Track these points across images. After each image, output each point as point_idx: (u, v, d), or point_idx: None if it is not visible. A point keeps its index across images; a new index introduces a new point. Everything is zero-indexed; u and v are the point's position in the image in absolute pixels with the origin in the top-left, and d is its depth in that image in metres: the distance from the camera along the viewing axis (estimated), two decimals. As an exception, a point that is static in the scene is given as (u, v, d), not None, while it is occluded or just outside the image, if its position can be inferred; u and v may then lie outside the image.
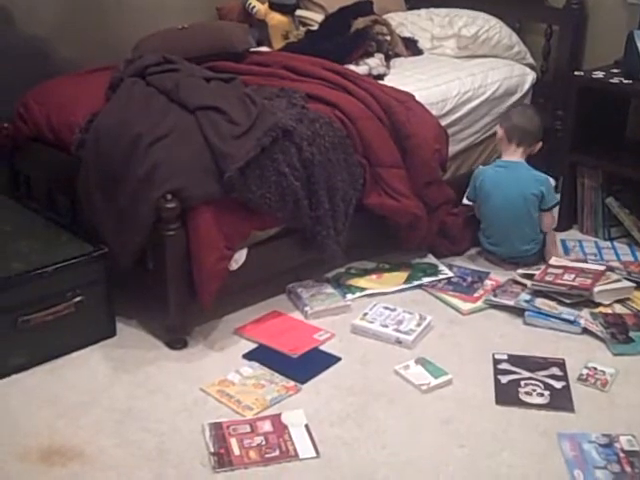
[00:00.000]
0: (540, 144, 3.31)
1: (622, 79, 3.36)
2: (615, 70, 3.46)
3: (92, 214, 2.79)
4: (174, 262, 2.62)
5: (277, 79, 3.23)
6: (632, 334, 2.80)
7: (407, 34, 3.97)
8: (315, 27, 3.85)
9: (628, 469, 2.19)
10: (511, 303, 2.97)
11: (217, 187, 2.63)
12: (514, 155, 3.28)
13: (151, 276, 2.74)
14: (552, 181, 3.36)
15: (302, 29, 3.87)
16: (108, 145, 2.74)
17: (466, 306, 3.00)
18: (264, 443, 2.28)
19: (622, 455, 2.24)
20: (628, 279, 3.06)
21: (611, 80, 3.37)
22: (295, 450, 2.26)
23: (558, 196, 3.28)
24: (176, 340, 2.74)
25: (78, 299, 2.66)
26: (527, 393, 2.51)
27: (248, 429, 2.34)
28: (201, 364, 2.66)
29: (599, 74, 3.44)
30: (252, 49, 3.55)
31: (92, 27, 3.72)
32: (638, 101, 3.60)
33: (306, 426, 2.36)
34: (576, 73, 3.53)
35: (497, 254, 3.29)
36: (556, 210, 3.31)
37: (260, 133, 2.70)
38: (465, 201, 3.38)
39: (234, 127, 2.73)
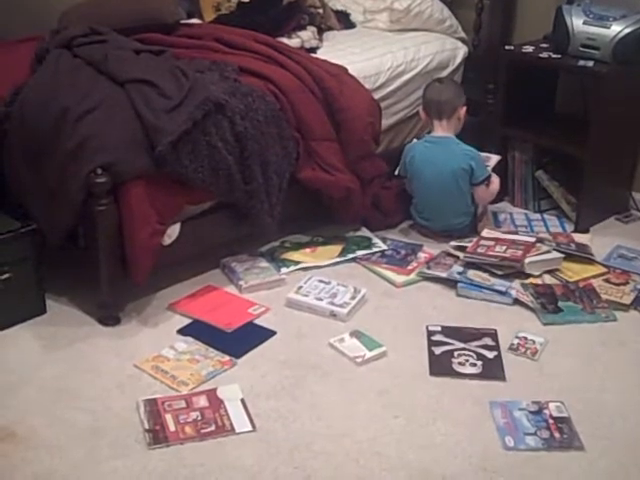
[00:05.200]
0: (464, 109, 3.32)
1: (551, 54, 3.40)
2: (544, 45, 3.50)
3: (19, 190, 2.72)
4: (106, 238, 2.57)
5: (209, 52, 3.18)
6: (561, 304, 2.86)
7: (339, 7, 3.96)
8: (247, -1, 3.80)
9: (557, 435, 2.25)
10: (444, 275, 3.00)
11: (149, 161, 2.59)
12: (442, 130, 3.30)
13: (82, 252, 2.70)
14: (496, 157, 3.40)
15: (234, 1, 3.80)
16: (34, 119, 2.67)
17: (400, 278, 3.02)
18: (200, 418, 2.27)
19: (551, 421, 2.30)
20: (557, 250, 3.11)
21: (540, 55, 3.41)
22: (231, 424, 2.26)
23: (489, 169, 3.31)
24: (108, 317, 2.70)
25: (6, 276, 2.61)
26: (460, 363, 2.55)
27: (183, 405, 2.32)
28: (134, 340, 2.63)
29: (529, 49, 3.48)
30: (182, 21, 3.49)
31: (16, -4, 3.61)
32: (566, 75, 3.66)
33: (242, 400, 2.35)
34: (506, 47, 3.57)
35: (430, 228, 3.32)
36: (497, 183, 3.35)
37: (192, 107, 2.66)
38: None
39: (166, 100, 2.68)
